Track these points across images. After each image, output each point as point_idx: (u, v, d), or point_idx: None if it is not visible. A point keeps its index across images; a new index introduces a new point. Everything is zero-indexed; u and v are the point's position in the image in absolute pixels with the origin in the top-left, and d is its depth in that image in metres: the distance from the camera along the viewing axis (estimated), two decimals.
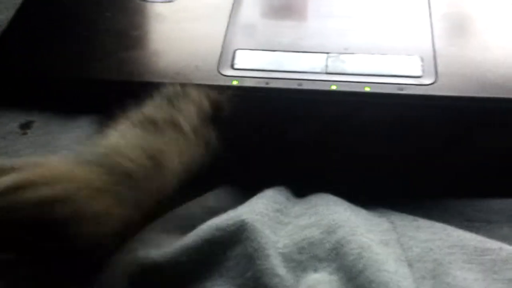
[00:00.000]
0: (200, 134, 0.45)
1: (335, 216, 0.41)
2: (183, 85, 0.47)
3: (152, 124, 0.44)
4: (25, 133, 0.49)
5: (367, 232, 0.40)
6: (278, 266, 0.37)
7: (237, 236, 0.39)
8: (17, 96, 0.51)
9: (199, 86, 0.48)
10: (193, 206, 0.43)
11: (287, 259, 0.39)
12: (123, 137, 0.43)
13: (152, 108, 0.45)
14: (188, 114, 0.45)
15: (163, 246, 0.40)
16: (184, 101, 0.46)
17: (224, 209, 0.43)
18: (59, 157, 0.43)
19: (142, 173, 0.41)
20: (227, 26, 0.53)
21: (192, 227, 0.41)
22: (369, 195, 0.45)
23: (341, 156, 0.48)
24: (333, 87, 0.47)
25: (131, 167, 0.40)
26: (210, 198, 0.44)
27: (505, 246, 0.40)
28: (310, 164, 0.48)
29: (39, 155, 0.45)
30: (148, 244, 0.39)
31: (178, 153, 0.43)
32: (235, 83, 0.48)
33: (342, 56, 0.49)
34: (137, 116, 0.44)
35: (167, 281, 0.38)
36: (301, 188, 0.46)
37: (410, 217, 0.43)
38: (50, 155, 0.44)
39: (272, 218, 0.41)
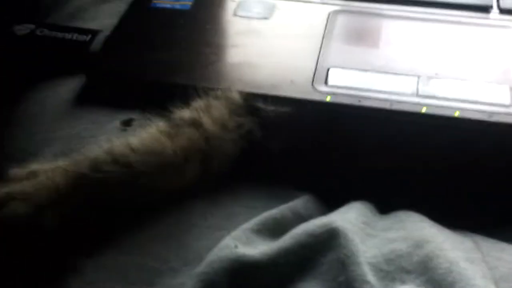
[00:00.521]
0: (231, 128, 0.49)
1: (422, 232, 0.43)
2: (278, 98, 0.50)
3: (174, 126, 0.48)
4: (124, 130, 0.52)
5: (453, 248, 0.41)
6: (368, 274, 0.39)
7: (330, 242, 0.41)
8: (120, 96, 0.54)
9: (293, 99, 0.50)
10: (285, 211, 0.45)
11: (376, 268, 0.40)
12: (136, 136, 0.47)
13: (185, 110, 0.49)
14: (216, 111, 0.48)
15: (258, 245, 0.42)
16: (216, 100, 0.50)
17: (311, 217, 0.45)
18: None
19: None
20: (321, 45, 0.56)
21: (284, 231, 0.43)
22: (450, 217, 0.46)
23: (424, 177, 0.49)
24: (424, 110, 0.49)
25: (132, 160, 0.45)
26: (299, 205, 0.46)
27: None
28: (391, 182, 0.50)
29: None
30: (245, 243, 0.42)
31: (191, 154, 0.47)
32: (328, 99, 0.50)
33: (432, 81, 0.51)
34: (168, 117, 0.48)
35: (265, 280, 0.40)
36: (382, 204, 0.48)
37: (493, 240, 0.44)
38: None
39: (362, 229, 0.43)
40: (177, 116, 0.48)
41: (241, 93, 0.50)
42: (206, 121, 0.48)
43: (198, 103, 0.49)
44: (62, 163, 0.46)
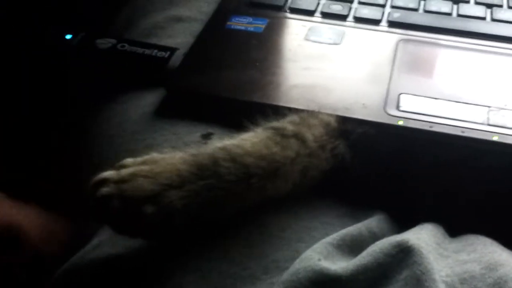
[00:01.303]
0: (327, 148, 0.52)
1: (494, 255, 0.44)
2: (353, 120, 0.53)
3: (279, 135, 0.50)
4: (205, 143, 0.55)
5: None
6: None
7: (405, 260, 0.43)
8: (199, 111, 0.57)
9: (367, 122, 0.53)
10: (363, 229, 0.47)
11: (450, 287, 0.42)
12: (245, 140, 0.50)
13: (283, 122, 0.52)
14: (315, 129, 0.51)
15: (338, 260, 0.44)
16: (313, 120, 0.52)
17: (385, 236, 0.47)
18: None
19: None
20: (391, 72, 0.58)
21: (360, 248, 0.45)
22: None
23: (493, 203, 0.51)
24: (495, 138, 0.51)
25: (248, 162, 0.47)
26: (373, 224, 0.48)
27: None
28: (459, 208, 0.52)
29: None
30: (326, 256, 0.44)
31: (296, 163, 0.50)
32: (400, 123, 0.53)
33: (502, 111, 0.53)
34: (267, 125, 0.51)
35: None
36: (453, 228, 0.50)
37: None
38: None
39: (435, 249, 0.45)
40: (279, 126, 0.51)
41: (336, 116, 0.53)
42: (309, 137, 0.51)
43: (294, 119, 0.52)
44: (177, 153, 0.48)
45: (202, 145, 0.54)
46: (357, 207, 0.51)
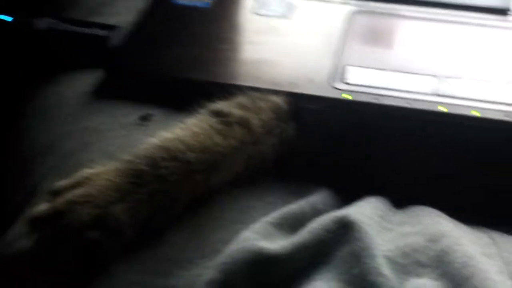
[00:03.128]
0: (274, 133, 0.51)
1: (438, 226, 0.44)
2: (297, 96, 0.52)
3: (222, 123, 0.49)
4: (143, 125, 0.54)
5: (470, 243, 0.43)
6: (383, 266, 0.40)
7: (345, 236, 0.42)
8: (139, 91, 0.56)
9: (312, 97, 0.52)
10: (305, 206, 0.47)
11: (391, 261, 0.42)
12: (186, 130, 0.48)
13: (229, 105, 0.51)
14: (263, 114, 0.50)
15: (277, 239, 0.44)
16: (263, 102, 0.51)
17: (329, 211, 0.47)
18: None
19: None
20: (339, 44, 0.58)
21: (302, 226, 0.45)
22: (467, 214, 0.48)
23: (441, 174, 0.51)
24: (442, 109, 0.50)
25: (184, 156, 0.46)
26: (317, 200, 0.48)
27: None
28: (408, 179, 0.51)
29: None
30: (265, 236, 0.43)
31: (238, 151, 0.49)
32: (346, 96, 0.52)
33: (450, 80, 0.53)
34: (211, 108, 0.50)
35: (282, 273, 0.42)
36: (399, 201, 0.49)
37: (509, 236, 0.46)
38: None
39: (377, 222, 0.45)
40: (224, 112, 0.50)
41: (285, 97, 0.52)
42: (255, 123, 0.50)
43: (244, 101, 0.51)
44: (111, 165, 0.46)
45: (140, 128, 0.53)
46: (303, 184, 0.51)
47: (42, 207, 0.44)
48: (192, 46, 0.59)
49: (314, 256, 0.43)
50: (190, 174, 0.47)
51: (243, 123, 0.50)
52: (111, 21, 0.64)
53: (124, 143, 0.52)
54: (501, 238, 0.45)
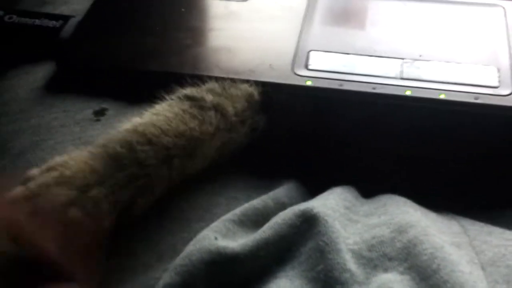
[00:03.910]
0: (248, 122, 0.49)
1: (405, 216, 0.42)
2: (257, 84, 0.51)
3: (197, 107, 0.48)
4: (98, 120, 0.52)
5: (439, 233, 0.41)
6: (348, 261, 0.39)
7: (309, 230, 0.41)
8: (92, 84, 0.54)
9: (273, 84, 0.51)
10: (268, 200, 0.45)
11: (357, 255, 0.40)
12: (158, 115, 0.46)
13: (201, 90, 0.49)
14: (237, 102, 0.49)
15: (239, 237, 0.42)
16: (235, 90, 0.50)
17: (294, 205, 0.45)
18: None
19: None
20: (301, 28, 0.56)
21: (266, 221, 0.43)
22: (437, 200, 0.47)
23: (409, 160, 0.50)
24: (408, 93, 0.49)
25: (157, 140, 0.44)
26: (282, 194, 0.46)
27: None
28: (376, 166, 0.50)
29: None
30: (225, 234, 0.42)
31: (213, 137, 0.47)
32: (309, 83, 0.51)
33: (417, 63, 0.52)
34: (181, 94, 0.48)
35: (245, 272, 0.40)
36: (367, 189, 0.48)
37: (481, 223, 0.44)
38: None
39: (343, 215, 0.43)
40: (197, 96, 0.48)
41: (258, 88, 0.51)
42: (230, 110, 0.48)
43: (214, 87, 0.49)
44: (84, 150, 0.44)
45: (94, 123, 0.52)
46: (268, 177, 0.49)
47: (16, 190, 0.41)
48: (146, 35, 0.57)
49: (278, 252, 0.41)
50: (168, 159, 0.45)
51: (219, 109, 0.48)
52: (63, 11, 0.62)
53: (78, 139, 0.50)
54: (472, 226, 0.44)
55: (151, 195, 0.45)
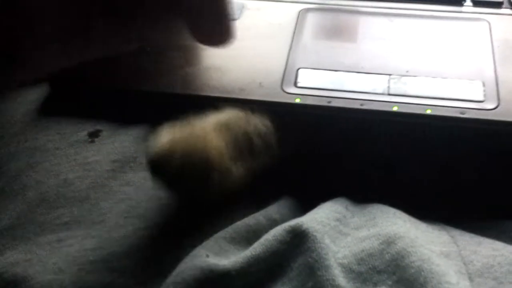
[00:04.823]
0: (267, 146, 0.50)
1: (394, 228, 0.44)
2: (247, 102, 0.52)
3: (227, 131, 0.49)
4: (92, 141, 0.53)
5: (427, 243, 0.42)
6: (338, 277, 0.40)
7: (299, 246, 0.42)
8: (86, 106, 0.56)
9: (262, 102, 0.52)
10: (260, 217, 0.46)
11: (347, 270, 0.42)
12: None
13: (227, 116, 0.50)
14: (257, 127, 0.50)
15: (231, 255, 0.43)
16: (252, 116, 0.51)
17: (286, 221, 0.46)
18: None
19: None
20: (290, 45, 0.58)
21: (258, 238, 0.44)
22: (427, 211, 0.48)
23: (399, 174, 0.51)
24: (395, 108, 0.51)
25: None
26: (274, 210, 0.48)
27: None
28: (365, 179, 0.52)
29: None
30: (217, 252, 0.43)
31: (244, 161, 0.49)
32: (297, 100, 0.52)
33: (403, 79, 0.53)
34: (213, 120, 0.49)
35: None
36: (358, 201, 0.49)
37: (470, 233, 0.46)
38: None
39: (333, 228, 0.45)
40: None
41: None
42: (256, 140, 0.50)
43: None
44: None
45: (89, 145, 0.53)
46: (260, 195, 0.50)
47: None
48: (138, 55, 0.58)
49: (269, 269, 0.43)
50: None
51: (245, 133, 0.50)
52: None
53: (73, 161, 0.52)
54: (461, 236, 0.45)
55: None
